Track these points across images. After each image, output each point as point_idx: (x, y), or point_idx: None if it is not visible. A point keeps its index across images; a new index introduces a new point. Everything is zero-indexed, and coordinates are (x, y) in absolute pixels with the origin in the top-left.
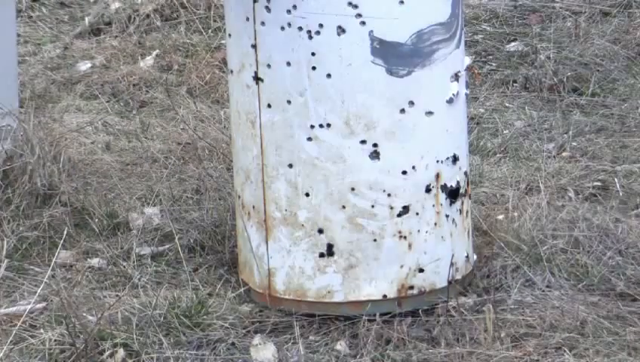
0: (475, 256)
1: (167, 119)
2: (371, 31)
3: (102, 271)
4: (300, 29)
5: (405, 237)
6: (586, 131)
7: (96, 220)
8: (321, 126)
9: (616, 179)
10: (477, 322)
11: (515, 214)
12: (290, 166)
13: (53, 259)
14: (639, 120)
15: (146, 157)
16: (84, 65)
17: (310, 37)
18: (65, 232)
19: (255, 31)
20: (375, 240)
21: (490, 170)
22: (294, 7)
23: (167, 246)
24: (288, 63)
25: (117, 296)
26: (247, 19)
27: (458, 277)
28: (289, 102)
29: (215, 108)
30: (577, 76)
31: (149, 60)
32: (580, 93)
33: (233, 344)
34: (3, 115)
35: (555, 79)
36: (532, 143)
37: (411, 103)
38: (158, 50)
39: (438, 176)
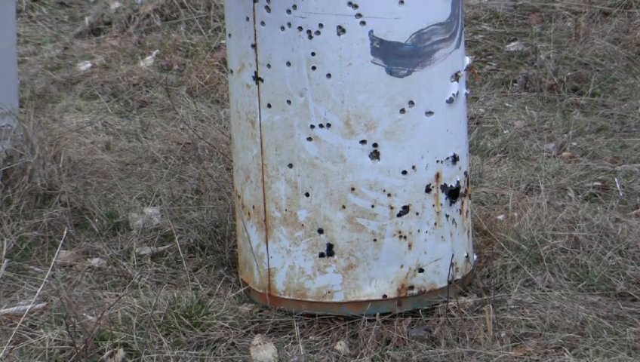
0: (475, 256)
1: (167, 119)
2: (371, 31)
3: (102, 271)
4: (300, 28)
5: (405, 237)
6: (586, 131)
7: (96, 220)
8: (321, 126)
9: (616, 179)
10: (477, 322)
11: (515, 214)
12: (290, 166)
13: (53, 259)
14: (639, 120)
15: (146, 158)
16: (84, 65)
17: (310, 37)
18: (65, 232)
19: (255, 31)
20: (375, 240)
21: (490, 170)
22: (294, 7)
23: (167, 246)
24: (288, 63)
25: (117, 296)
26: (247, 19)
27: (458, 277)
28: (289, 102)
29: (215, 108)
30: (577, 76)
31: (149, 60)
32: (580, 93)
33: (233, 344)
34: (3, 115)
35: (555, 79)
36: (532, 143)
37: (411, 103)
38: (158, 50)
39: (438, 175)
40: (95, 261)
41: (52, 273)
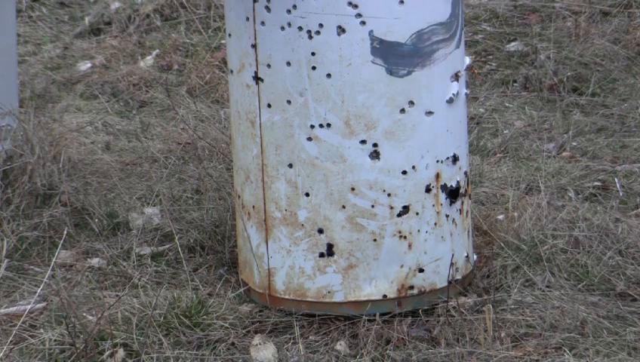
0: (475, 256)
1: (167, 119)
2: (371, 31)
3: (102, 271)
4: (300, 28)
5: (405, 237)
6: (586, 131)
7: (96, 220)
8: (321, 126)
9: (616, 179)
10: (477, 322)
11: (515, 214)
12: (290, 166)
13: (53, 259)
14: (639, 120)
15: (146, 157)
16: (84, 65)
17: (310, 37)
18: (65, 232)
19: (255, 31)
20: (375, 240)
21: (490, 170)
22: (294, 6)
23: (167, 246)
24: (288, 63)
25: (117, 296)
26: (247, 19)
27: (458, 277)
28: (289, 102)
29: (215, 108)
30: (577, 76)
31: (149, 60)
32: (580, 93)
33: (233, 344)
34: (3, 115)
35: (555, 79)
36: (532, 143)
37: (411, 103)
38: (158, 50)
39: (438, 175)
40: (95, 261)
41: (52, 273)
